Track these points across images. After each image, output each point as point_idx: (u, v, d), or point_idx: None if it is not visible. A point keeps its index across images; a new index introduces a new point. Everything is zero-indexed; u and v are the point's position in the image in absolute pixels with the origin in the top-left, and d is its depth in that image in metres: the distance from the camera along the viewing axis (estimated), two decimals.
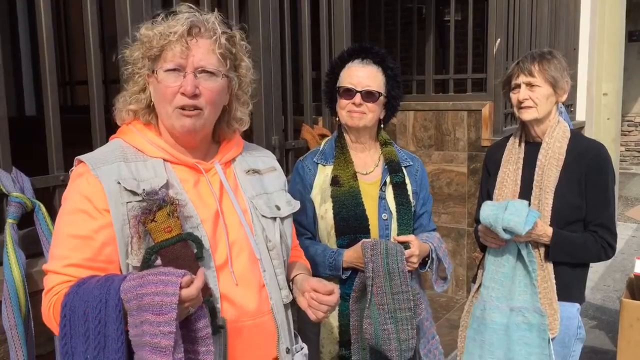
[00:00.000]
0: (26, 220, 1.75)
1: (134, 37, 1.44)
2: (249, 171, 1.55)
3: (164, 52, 1.37)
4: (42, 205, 1.76)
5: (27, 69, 4.85)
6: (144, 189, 1.33)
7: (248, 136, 2.73)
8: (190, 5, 1.44)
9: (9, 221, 1.68)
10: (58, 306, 1.26)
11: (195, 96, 1.36)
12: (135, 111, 1.45)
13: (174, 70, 1.36)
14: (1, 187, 1.72)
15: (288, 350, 1.54)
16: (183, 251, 1.31)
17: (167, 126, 1.43)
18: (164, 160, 1.42)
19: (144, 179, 1.36)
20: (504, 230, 2.15)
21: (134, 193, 1.33)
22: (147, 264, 1.31)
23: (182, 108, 1.37)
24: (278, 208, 1.55)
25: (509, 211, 2.15)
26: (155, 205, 1.31)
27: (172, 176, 1.41)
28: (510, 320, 2.27)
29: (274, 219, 1.52)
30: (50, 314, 1.31)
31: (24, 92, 4.81)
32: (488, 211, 2.20)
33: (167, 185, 1.38)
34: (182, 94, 1.36)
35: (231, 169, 1.53)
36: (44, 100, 1.95)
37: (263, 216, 1.50)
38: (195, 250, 1.33)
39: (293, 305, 1.61)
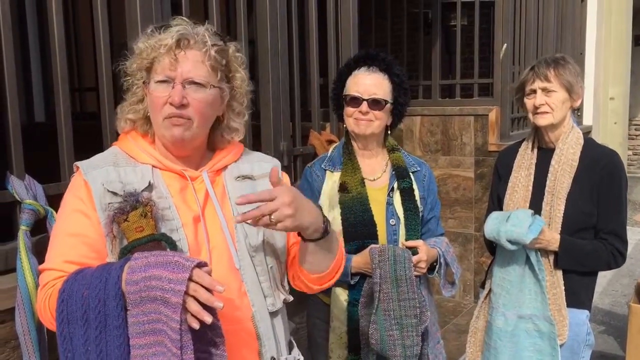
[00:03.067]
0: (39, 226, 1.77)
1: (131, 49, 1.48)
2: (238, 177, 1.55)
3: (154, 64, 1.41)
4: (54, 212, 1.78)
5: (37, 75, 4.90)
6: (124, 190, 1.38)
7: (256, 143, 2.75)
8: (183, 17, 1.47)
9: (22, 228, 1.70)
10: (55, 295, 1.28)
11: (182, 106, 1.39)
12: (134, 120, 1.50)
13: (163, 81, 1.40)
14: (15, 194, 1.74)
15: (273, 359, 1.52)
16: (155, 251, 1.31)
17: (159, 136, 1.47)
18: (153, 166, 1.46)
19: (130, 182, 1.41)
20: (509, 241, 2.16)
21: (116, 194, 1.38)
22: None
23: (170, 117, 1.40)
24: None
25: (510, 222, 2.15)
26: (129, 205, 1.34)
27: (159, 181, 1.44)
28: (519, 327, 2.27)
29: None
30: (47, 306, 1.33)
31: (33, 99, 4.85)
32: (491, 225, 2.22)
33: (149, 188, 1.41)
34: (170, 103, 1.39)
35: (222, 176, 1.54)
36: (56, 108, 1.97)
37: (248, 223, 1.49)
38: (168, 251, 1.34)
39: (297, 311, 1.59)
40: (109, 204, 1.37)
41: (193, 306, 1.18)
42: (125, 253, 1.33)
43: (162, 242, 1.34)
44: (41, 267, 1.40)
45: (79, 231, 1.37)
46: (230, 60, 1.49)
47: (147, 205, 1.35)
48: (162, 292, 1.18)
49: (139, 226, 1.33)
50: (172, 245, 1.35)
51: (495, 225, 2.19)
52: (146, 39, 1.43)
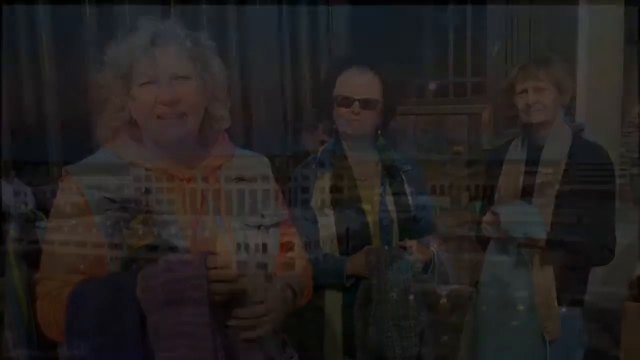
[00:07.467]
0: (28, 230, 1.76)
1: (102, 60, 1.44)
2: (234, 179, 1.54)
3: (133, 68, 1.38)
4: (43, 215, 1.77)
5: None
6: (121, 197, 1.36)
7: (249, 144, 2.74)
8: (148, 17, 1.44)
9: (12, 232, 1.70)
10: (61, 308, 1.29)
11: (174, 103, 1.37)
12: (117, 127, 1.47)
13: (148, 83, 1.37)
14: (3, 198, 1.73)
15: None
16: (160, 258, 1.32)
17: (153, 139, 1.44)
18: (146, 169, 1.44)
19: (125, 187, 1.39)
20: (523, 234, 2.18)
21: (112, 201, 1.36)
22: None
23: (163, 117, 1.38)
24: (263, 216, 1.54)
25: (529, 219, 2.16)
26: (129, 214, 1.34)
27: (154, 184, 1.43)
28: (505, 313, 2.28)
29: (258, 227, 1.51)
30: (52, 317, 1.32)
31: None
32: (507, 218, 2.20)
33: (146, 193, 1.40)
34: (161, 103, 1.36)
35: (216, 177, 1.53)
36: (46, 109, 1.96)
37: (246, 225, 1.49)
38: None
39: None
40: (106, 210, 1.35)
41: (223, 288, 1.28)
42: (128, 262, 1.32)
43: (164, 248, 1.34)
44: (37, 277, 1.37)
45: (76, 239, 1.35)
46: (204, 49, 1.47)
47: (147, 212, 1.35)
48: (182, 293, 1.22)
49: (140, 234, 1.33)
50: (174, 251, 1.35)
51: (512, 220, 2.19)
52: (117, 45, 1.40)
